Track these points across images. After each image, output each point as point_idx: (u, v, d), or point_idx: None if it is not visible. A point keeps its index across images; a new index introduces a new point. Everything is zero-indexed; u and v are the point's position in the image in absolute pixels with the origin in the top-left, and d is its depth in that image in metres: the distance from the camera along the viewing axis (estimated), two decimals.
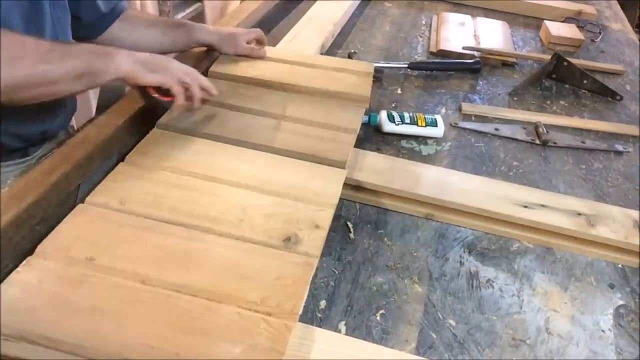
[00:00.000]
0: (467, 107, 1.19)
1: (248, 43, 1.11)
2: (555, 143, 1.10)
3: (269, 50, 1.20)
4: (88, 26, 1.00)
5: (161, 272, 0.63)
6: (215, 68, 1.08)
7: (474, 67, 1.36)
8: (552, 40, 1.56)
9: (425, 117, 1.06)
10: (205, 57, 1.10)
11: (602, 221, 0.85)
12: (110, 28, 1.03)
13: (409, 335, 0.68)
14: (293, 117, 0.96)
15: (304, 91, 1.04)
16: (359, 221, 0.85)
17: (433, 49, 1.46)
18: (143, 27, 1.07)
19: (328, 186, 0.80)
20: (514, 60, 1.44)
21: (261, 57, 1.12)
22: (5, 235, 0.62)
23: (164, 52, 1.04)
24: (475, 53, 1.42)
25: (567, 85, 1.35)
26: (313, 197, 0.77)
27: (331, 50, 1.38)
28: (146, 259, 0.64)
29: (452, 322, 0.71)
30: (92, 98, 2.33)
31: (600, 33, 1.69)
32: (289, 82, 1.05)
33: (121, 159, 0.82)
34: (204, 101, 0.88)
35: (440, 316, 0.71)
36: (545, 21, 1.65)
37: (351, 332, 0.67)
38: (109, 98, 1.76)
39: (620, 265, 0.83)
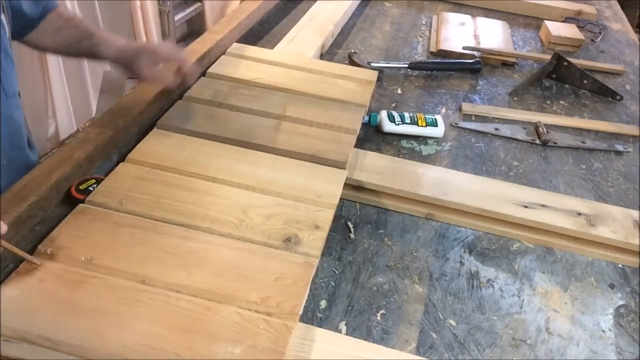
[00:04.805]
0: (467, 107, 1.19)
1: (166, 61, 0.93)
2: (555, 143, 1.10)
3: (270, 53, 1.20)
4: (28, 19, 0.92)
5: (161, 273, 0.63)
6: (213, 69, 1.09)
7: (474, 67, 1.36)
8: (552, 40, 1.56)
9: (425, 117, 1.06)
10: (205, 57, 1.10)
11: (602, 221, 0.85)
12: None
13: (410, 335, 0.68)
14: (293, 117, 0.96)
15: (302, 96, 1.04)
16: (360, 221, 0.85)
17: (433, 49, 1.46)
18: (65, 29, 0.96)
19: (328, 186, 0.80)
20: (514, 60, 1.43)
21: (172, 87, 0.93)
22: (6, 235, 0.62)
23: (68, 56, 1.01)
24: (475, 53, 1.42)
25: (567, 85, 1.35)
26: (313, 197, 0.77)
27: (331, 50, 1.38)
28: (146, 259, 0.64)
29: (453, 322, 0.71)
30: (92, 99, 2.33)
31: (600, 33, 1.69)
32: (288, 87, 1.05)
33: (121, 159, 0.82)
34: None
35: (441, 316, 0.71)
36: (545, 21, 1.65)
37: (351, 332, 0.67)
38: (108, 99, 1.76)
39: (620, 265, 0.83)
